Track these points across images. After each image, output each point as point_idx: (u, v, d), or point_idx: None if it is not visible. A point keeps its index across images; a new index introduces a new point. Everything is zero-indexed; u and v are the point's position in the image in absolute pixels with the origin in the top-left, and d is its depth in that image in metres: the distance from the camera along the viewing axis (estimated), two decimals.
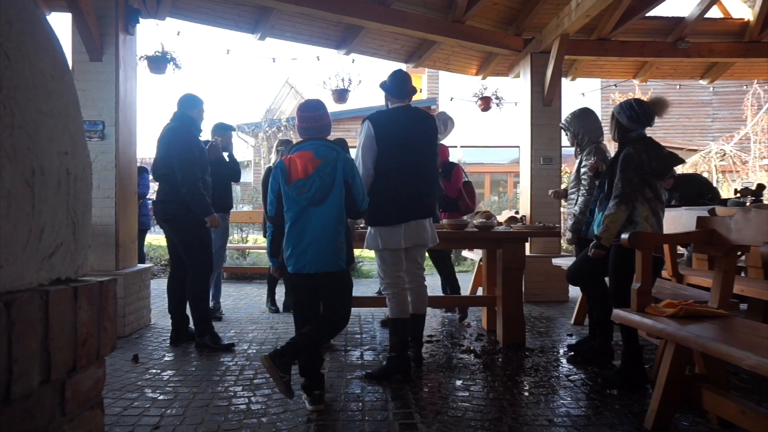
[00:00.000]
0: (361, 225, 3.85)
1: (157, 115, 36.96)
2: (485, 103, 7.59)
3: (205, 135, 4.78)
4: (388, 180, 3.37)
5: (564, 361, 3.83)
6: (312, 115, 3.10)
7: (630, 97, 3.52)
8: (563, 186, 6.09)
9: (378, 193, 3.36)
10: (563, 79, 7.04)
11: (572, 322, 5.04)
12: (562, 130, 4.28)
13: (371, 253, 6.74)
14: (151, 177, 5.56)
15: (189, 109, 4.27)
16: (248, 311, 5.64)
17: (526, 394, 3.17)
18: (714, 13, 6.86)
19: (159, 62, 5.64)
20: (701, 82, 8.05)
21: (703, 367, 2.75)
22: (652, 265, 2.91)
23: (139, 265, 5.01)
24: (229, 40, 53.25)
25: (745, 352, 1.96)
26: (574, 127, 4.08)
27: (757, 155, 14.44)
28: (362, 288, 6.99)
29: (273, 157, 5.58)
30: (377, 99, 8.69)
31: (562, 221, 7.36)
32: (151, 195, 7.18)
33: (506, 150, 17.68)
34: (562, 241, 6.85)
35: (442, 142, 4.44)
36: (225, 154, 5.14)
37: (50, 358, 0.79)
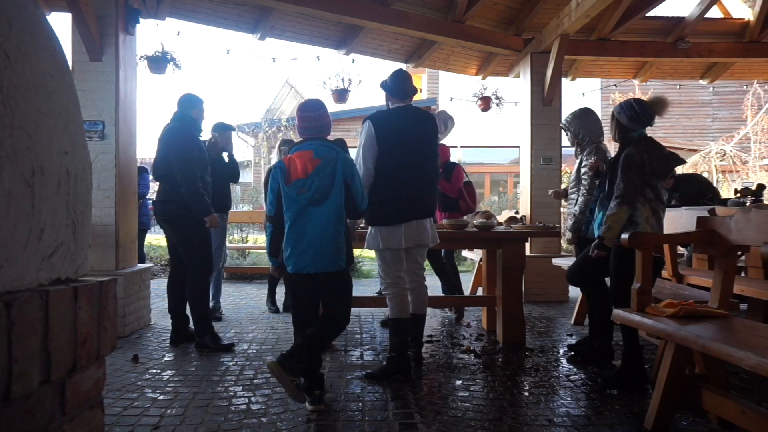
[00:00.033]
0: (362, 225, 3.85)
1: (157, 115, 36.97)
2: (485, 103, 7.60)
3: (205, 135, 4.79)
4: (388, 180, 3.37)
5: (564, 361, 3.83)
6: (312, 114, 3.10)
7: (630, 97, 3.52)
8: (563, 186, 6.09)
9: (378, 193, 3.36)
10: (563, 79, 7.04)
11: (572, 322, 5.05)
12: (563, 130, 4.28)
13: (371, 253, 6.75)
14: (151, 177, 5.56)
15: (189, 108, 4.27)
16: (248, 311, 5.64)
17: (526, 394, 3.17)
18: (714, 13, 6.86)
19: (159, 62, 5.64)
20: (701, 82, 8.05)
21: (703, 367, 2.75)
22: (652, 265, 2.91)
23: (139, 265, 5.01)
24: (229, 40, 53.28)
25: (745, 352, 1.96)
26: (575, 127, 4.08)
27: (757, 155, 14.44)
28: (362, 288, 6.99)
29: (274, 157, 5.58)
30: (377, 99, 8.71)
31: (562, 221, 7.36)
32: (151, 195, 7.18)
33: (506, 150, 17.69)
34: (562, 241, 6.85)
35: (443, 141, 4.43)
36: (225, 155, 5.14)
37: (50, 358, 0.79)
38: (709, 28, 6.81)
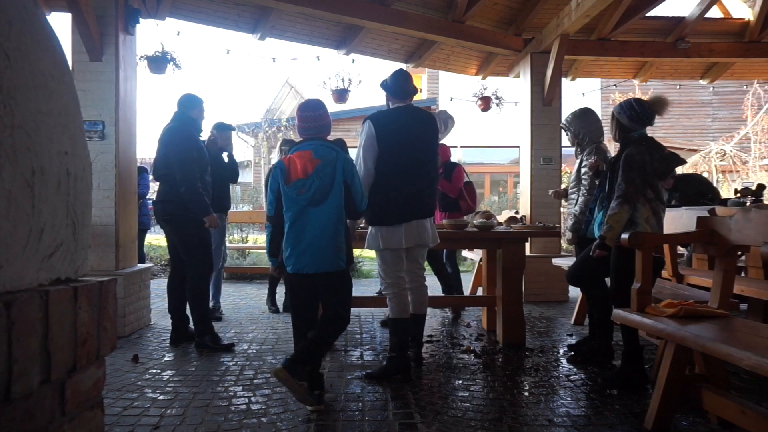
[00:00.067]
0: (362, 225, 3.85)
1: (157, 115, 36.95)
2: (485, 103, 7.60)
3: (205, 135, 4.79)
4: (389, 180, 3.37)
5: (564, 361, 3.83)
6: (312, 114, 3.10)
7: (630, 97, 3.51)
8: (563, 186, 6.09)
9: (379, 193, 3.36)
10: (563, 79, 7.04)
11: (572, 322, 5.04)
12: (563, 130, 4.28)
13: (371, 253, 6.75)
14: (151, 177, 5.56)
15: (189, 109, 4.27)
16: (248, 311, 5.64)
17: (526, 394, 3.17)
18: (714, 13, 6.86)
19: (159, 62, 5.64)
20: (701, 82, 8.05)
21: (703, 367, 2.75)
22: (653, 265, 2.91)
23: (139, 265, 5.01)
24: (229, 40, 53.26)
25: (745, 352, 1.96)
26: (575, 127, 4.08)
27: (757, 155, 14.44)
28: (362, 288, 6.99)
29: (275, 157, 5.58)
30: (377, 99, 8.70)
31: (562, 221, 7.36)
32: (151, 195, 7.18)
33: (506, 150, 17.70)
34: (562, 241, 6.85)
35: (443, 141, 4.43)
36: (224, 154, 5.14)
37: (50, 358, 0.79)
38: (709, 28, 6.81)
